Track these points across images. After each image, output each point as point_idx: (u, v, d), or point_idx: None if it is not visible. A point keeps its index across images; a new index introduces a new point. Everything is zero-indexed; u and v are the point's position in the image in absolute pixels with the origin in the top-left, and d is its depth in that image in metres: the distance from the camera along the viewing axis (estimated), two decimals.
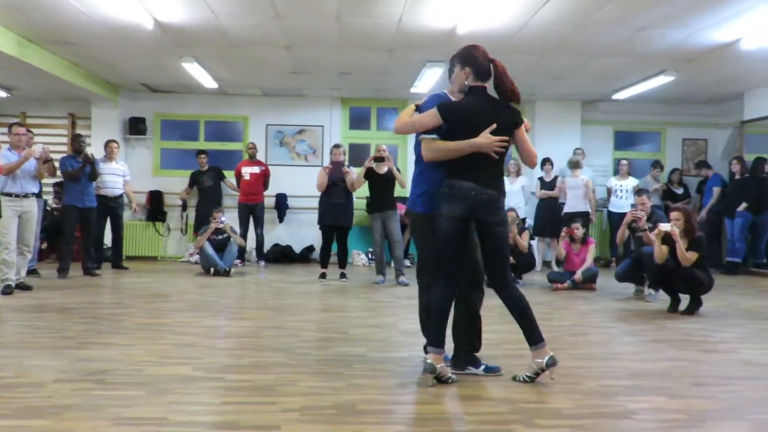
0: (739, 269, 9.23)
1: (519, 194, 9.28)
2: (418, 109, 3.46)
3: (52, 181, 8.91)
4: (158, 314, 5.36)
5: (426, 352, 3.65)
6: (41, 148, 6.62)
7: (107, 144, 8.59)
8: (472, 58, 3.35)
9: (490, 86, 3.40)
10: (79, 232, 7.92)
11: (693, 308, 5.70)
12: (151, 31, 6.73)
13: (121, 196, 8.57)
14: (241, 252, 9.06)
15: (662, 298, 6.27)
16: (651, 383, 3.43)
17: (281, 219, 10.36)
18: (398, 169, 7.72)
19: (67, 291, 6.55)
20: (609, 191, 9.90)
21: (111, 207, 8.40)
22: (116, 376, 3.36)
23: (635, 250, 6.81)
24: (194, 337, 4.41)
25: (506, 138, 3.30)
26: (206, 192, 9.79)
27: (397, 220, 7.63)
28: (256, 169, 9.55)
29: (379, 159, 7.38)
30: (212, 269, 8.07)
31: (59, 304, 5.68)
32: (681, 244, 5.61)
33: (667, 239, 5.71)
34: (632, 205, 6.95)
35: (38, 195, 6.92)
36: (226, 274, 8.01)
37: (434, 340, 3.29)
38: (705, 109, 10.76)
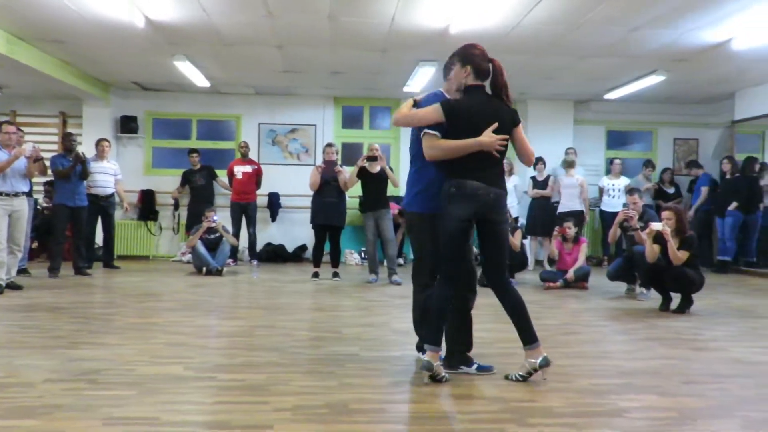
0: (729, 268, 9.29)
1: (512, 193, 9.28)
2: (417, 105, 3.46)
3: (43, 180, 8.86)
4: (150, 314, 5.34)
5: (418, 350, 3.67)
6: (31, 147, 6.58)
7: (98, 143, 8.55)
8: (473, 57, 3.35)
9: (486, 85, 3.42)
10: (70, 231, 7.88)
11: (684, 307, 5.73)
12: (142, 29, 6.70)
13: (112, 195, 8.53)
14: (234, 251, 9.04)
15: (653, 297, 6.30)
16: (642, 381, 3.44)
17: (274, 218, 10.34)
18: (391, 168, 7.71)
19: (57, 290, 6.52)
20: (601, 190, 9.94)
21: (102, 206, 8.36)
22: (107, 376, 3.34)
23: (627, 249, 6.84)
24: (186, 336, 4.39)
25: (507, 137, 3.33)
26: (198, 191, 9.76)
27: (390, 219, 7.64)
28: (248, 168, 9.53)
29: (372, 158, 7.38)
30: (204, 268, 8.05)
31: (50, 304, 5.65)
32: (672, 243, 5.64)
33: (658, 238, 5.75)
34: (624, 205, 6.99)
35: (29, 194, 6.88)
36: (219, 273, 7.99)
37: (432, 339, 3.29)
38: (696, 109, 10.83)
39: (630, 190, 7.10)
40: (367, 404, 2.98)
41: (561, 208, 9.15)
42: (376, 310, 5.72)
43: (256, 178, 9.60)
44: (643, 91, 9.30)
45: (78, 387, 3.14)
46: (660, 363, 3.87)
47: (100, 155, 8.46)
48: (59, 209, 7.64)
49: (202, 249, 8.11)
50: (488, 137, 3.24)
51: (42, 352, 3.88)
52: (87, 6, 6.11)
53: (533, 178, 9.53)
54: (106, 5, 6.05)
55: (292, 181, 10.20)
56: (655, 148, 11.18)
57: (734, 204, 9.12)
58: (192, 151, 9.93)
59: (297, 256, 10.28)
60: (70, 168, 7.58)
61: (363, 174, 7.47)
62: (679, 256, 5.63)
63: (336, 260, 7.84)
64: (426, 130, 3.30)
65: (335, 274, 7.72)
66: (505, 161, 3.47)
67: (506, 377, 3.39)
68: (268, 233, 10.34)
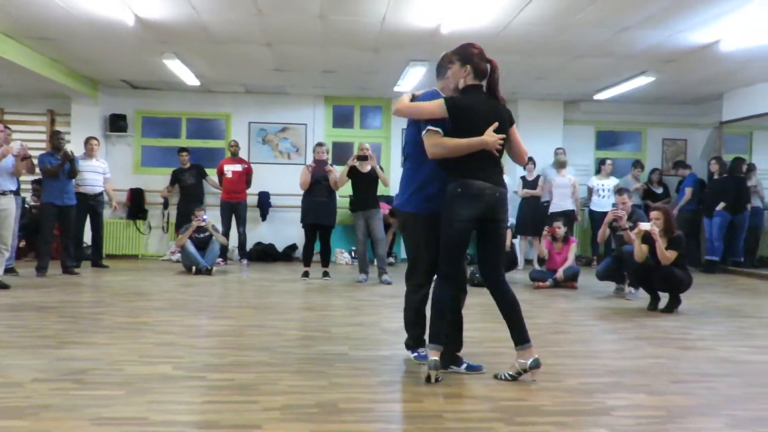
0: (717, 268, 9.36)
1: None
2: (414, 100, 3.46)
3: (31, 178, 8.79)
4: (139, 313, 5.31)
5: (408, 348, 3.68)
6: (19, 145, 6.52)
7: (87, 141, 8.49)
8: (472, 56, 3.35)
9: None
10: (58, 230, 7.82)
11: (672, 306, 5.77)
12: (131, 27, 6.65)
13: (101, 193, 8.48)
14: (223, 250, 9.01)
15: (642, 297, 6.34)
16: (630, 380, 3.47)
17: (264, 217, 10.32)
18: (381, 168, 7.71)
19: (45, 290, 6.47)
20: (590, 190, 9.99)
21: (91, 205, 8.31)
22: (95, 376, 3.32)
23: (616, 249, 6.88)
24: (175, 336, 4.37)
25: (504, 136, 3.35)
26: (188, 190, 9.72)
27: (380, 218, 7.63)
28: (238, 167, 9.50)
29: (363, 157, 7.38)
30: (194, 268, 8.01)
31: (37, 303, 5.61)
32: (660, 243, 5.68)
33: (647, 238, 5.78)
34: (613, 205, 7.03)
35: (16, 192, 6.83)
36: (208, 272, 7.96)
37: (434, 339, 3.30)
38: (685, 110, 10.90)
39: (619, 190, 7.15)
40: (357, 404, 2.98)
41: (553, 208, 9.20)
42: (366, 310, 5.72)
43: (246, 177, 9.57)
44: (633, 91, 9.35)
45: (66, 387, 3.12)
46: (648, 362, 3.90)
47: (88, 154, 8.41)
48: (47, 208, 7.58)
49: (191, 248, 8.08)
50: (490, 136, 3.26)
51: (29, 351, 3.85)
52: (76, 3, 6.06)
53: (523, 177, 9.56)
54: (95, 3, 6.01)
55: (283, 181, 10.17)
56: (644, 148, 11.25)
57: (722, 204, 9.19)
58: (182, 149, 9.88)
59: (287, 255, 10.26)
60: (59, 166, 7.52)
61: (353, 173, 7.47)
62: (667, 255, 5.67)
63: (326, 260, 7.83)
64: (429, 127, 3.28)
65: (325, 274, 7.71)
66: None
67: (496, 377, 3.40)
68: (258, 232, 10.32)
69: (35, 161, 7.55)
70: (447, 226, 3.29)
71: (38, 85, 9.10)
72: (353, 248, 9.54)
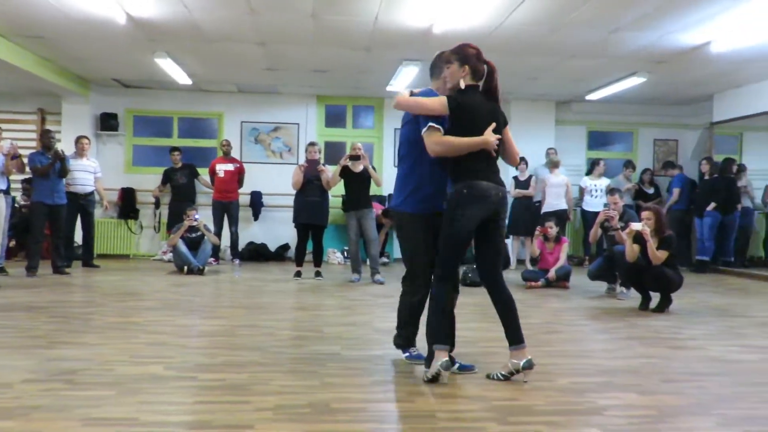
0: (708, 268, 9.42)
1: None
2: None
3: (21, 177, 8.74)
4: (130, 313, 5.28)
5: (398, 347, 3.69)
6: (9, 144, 6.50)
7: (78, 140, 8.45)
8: (471, 57, 3.36)
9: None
10: (49, 229, 7.78)
11: (663, 306, 5.80)
12: (122, 25, 6.63)
13: (92, 193, 8.44)
14: (215, 250, 8.98)
15: (633, 296, 6.36)
16: (622, 380, 3.48)
17: (256, 217, 10.30)
18: (374, 168, 7.70)
19: (35, 289, 6.43)
20: (582, 190, 10.02)
21: (81, 204, 8.27)
22: (86, 376, 3.30)
23: (607, 249, 6.91)
24: (166, 336, 4.35)
25: (500, 136, 3.36)
26: (180, 189, 9.68)
27: (373, 218, 7.63)
28: (230, 167, 9.47)
29: (355, 157, 7.37)
30: (186, 267, 7.98)
31: (28, 303, 5.57)
32: (651, 243, 5.71)
33: (638, 238, 5.81)
34: (605, 205, 7.06)
35: (6, 192, 6.79)
36: (200, 272, 7.94)
37: (439, 339, 3.30)
38: (676, 111, 10.96)
39: (611, 191, 7.18)
40: (349, 403, 2.97)
41: (546, 207, 9.23)
42: (359, 310, 5.71)
43: (238, 176, 9.54)
44: (624, 92, 9.40)
45: (56, 387, 3.10)
46: (639, 361, 3.91)
47: (79, 153, 8.36)
48: (37, 207, 7.54)
49: (183, 248, 8.05)
50: (490, 136, 3.28)
51: (19, 352, 3.82)
52: (67, 1, 6.03)
53: (515, 177, 9.59)
54: (86, 0, 5.98)
55: (275, 180, 10.15)
56: (635, 148, 11.30)
57: (712, 204, 9.25)
58: (173, 149, 9.85)
59: (279, 255, 10.24)
60: (49, 165, 7.47)
61: (346, 173, 7.46)
62: (658, 255, 5.70)
63: (318, 259, 7.82)
64: (431, 124, 3.26)
65: (318, 274, 7.70)
66: None
67: (488, 376, 3.41)
68: (251, 232, 10.29)
69: (25, 160, 7.50)
70: (451, 227, 3.28)
71: (29, 83, 9.04)
72: (346, 248, 9.54)
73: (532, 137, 10.30)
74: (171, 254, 8.60)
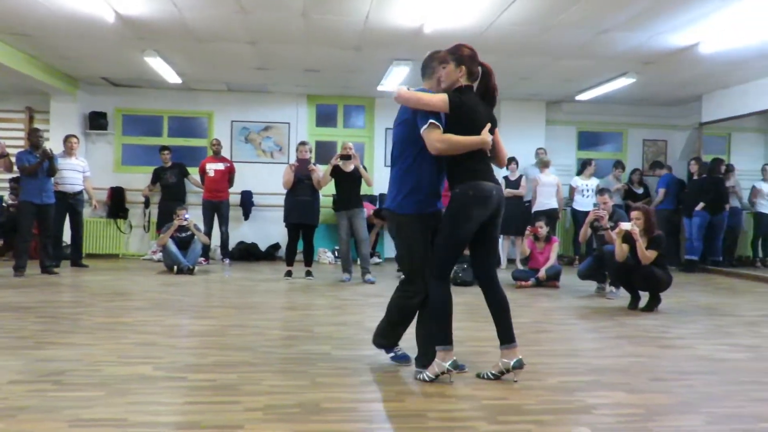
0: (696, 267, 9.48)
1: None
2: None
3: (9, 176, 8.67)
4: (119, 313, 5.25)
5: (380, 347, 3.66)
6: None
7: (66, 139, 8.39)
8: (467, 58, 3.36)
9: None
10: (37, 229, 7.72)
11: (652, 305, 5.84)
12: (111, 23, 6.59)
13: (80, 192, 8.39)
14: (206, 250, 8.94)
15: (623, 296, 6.40)
16: (611, 379, 3.50)
17: (246, 216, 10.27)
18: (365, 167, 7.70)
19: (23, 289, 6.38)
20: (573, 190, 10.06)
21: (70, 203, 8.22)
22: (74, 377, 3.28)
23: (597, 248, 6.94)
24: (156, 336, 4.33)
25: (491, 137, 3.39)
26: (169, 189, 9.64)
27: (364, 218, 7.62)
28: (220, 166, 9.44)
29: (346, 157, 7.36)
30: (175, 267, 7.95)
31: (15, 303, 5.52)
32: (641, 243, 5.74)
33: (627, 238, 5.84)
34: (594, 205, 7.09)
35: None
36: (190, 272, 7.90)
37: (443, 339, 3.31)
38: (665, 111, 11.03)
39: (600, 191, 7.21)
40: (339, 403, 2.97)
41: (537, 207, 9.27)
42: (349, 309, 5.71)
43: (228, 175, 9.51)
44: (614, 92, 9.45)
45: (44, 388, 3.07)
46: (628, 360, 3.93)
47: (68, 152, 8.31)
48: (25, 206, 7.48)
49: (173, 247, 8.01)
50: (487, 136, 3.30)
51: (6, 352, 3.79)
52: None
53: (506, 177, 9.61)
54: None
55: (265, 180, 10.13)
56: (625, 149, 11.37)
57: (701, 204, 9.32)
58: (163, 148, 9.80)
59: (270, 254, 10.22)
60: (37, 164, 7.42)
61: (336, 173, 7.45)
62: (647, 255, 5.73)
63: (309, 259, 7.81)
64: (431, 121, 3.24)
65: (308, 273, 7.69)
66: None
67: (478, 375, 3.42)
68: (241, 232, 10.26)
69: (13, 159, 7.44)
70: (455, 228, 3.27)
71: (16, 81, 8.97)
72: (336, 248, 9.52)
73: (522, 137, 10.36)
74: (161, 254, 8.56)
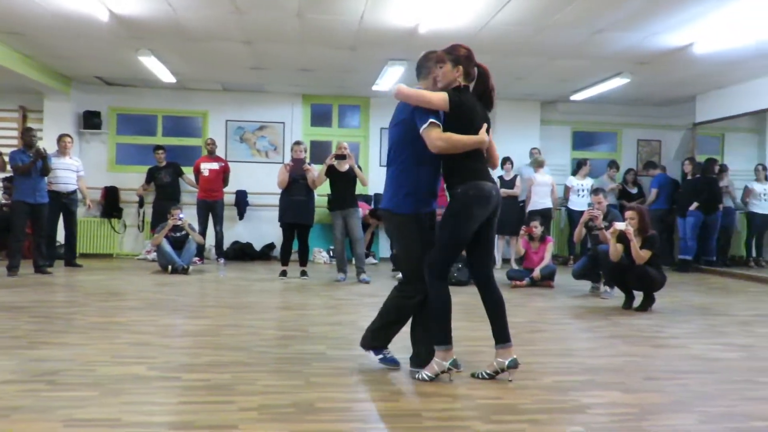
0: (690, 267, 9.52)
1: None
2: None
3: (2, 176, 8.63)
4: (113, 313, 5.24)
5: (369, 347, 3.57)
6: None
7: (60, 138, 8.35)
8: (464, 58, 3.36)
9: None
10: (30, 228, 7.69)
11: (646, 305, 5.85)
12: (105, 22, 6.56)
13: (74, 191, 8.35)
14: (200, 249, 8.93)
15: (617, 295, 6.42)
16: (605, 378, 3.51)
17: (241, 216, 10.25)
18: (360, 167, 7.70)
19: (17, 289, 6.35)
20: (568, 190, 10.07)
21: (64, 203, 8.19)
22: (68, 377, 3.27)
23: (591, 248, 6.96)
24: (150, 336, 4.32)
25: None
26: (164, 188, 9.61)
27: (359, 218, 7.62)
28: (215, 165, 9.42)
29: (341, 156, 7.36)
30: (170, 267, 7.93)
31: (8, 303, 5.50)
32: (635, 243, 5.76)
33: (622, 238, 5.86)
34: (589, 204, 7.11)
35: None
36: (185, 271, 7.89)
37: (444, 339, 3.32)
38: (659, 111, 11.07)
39: (595, 190, 7.23)
40: (334, 403, 2.97)
41: (532, 206, 9.29)
42: (344, 309, 5.71)
43: (223, 175, 9.49)
44: (609, 92, 9.47)
45: (37, 388, 3.06)
46: (622, 360, 3.95)
47: (61, 151, 8.27)
48: (18, 206, 7.44)
49: (167, 247, 7.99)
50: (485, 136, 3.32)
51: (0, 352, 3.78)
52: None
53: (501, 177, 9.62)
54: None
55: (260, 179, 10.11)
56: (619, 149, 11.39)
57: (695, 204, 9.35)
58: (157, 147, 9.77)
59: (265, 254, 10.20)
60: (31, 164, 7.39)
61: (331, 172, 7.45)
62: (641, 255, 5.75)
63: (304, 259, 7.80)
64: (432, 120, 3.23)
65: (303, 273, 7.69)
66: None
67: (473, 375, 3.42)
68: (236, 231, 10.24)
69: (6, 158, 7.40)
70: (457, 228, 3.27)
71: (9, 80, 8.93)
72: (331, 247, 9.51)
73: (517, 137, 10.38)
74: (155, 253, 8.53)
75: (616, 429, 2.73)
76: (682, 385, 3.41)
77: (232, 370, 3.47)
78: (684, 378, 3.55)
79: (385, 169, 3.63)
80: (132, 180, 10.07)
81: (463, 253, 3.58)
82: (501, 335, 3.37)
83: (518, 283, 7.34)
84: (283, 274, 7.65)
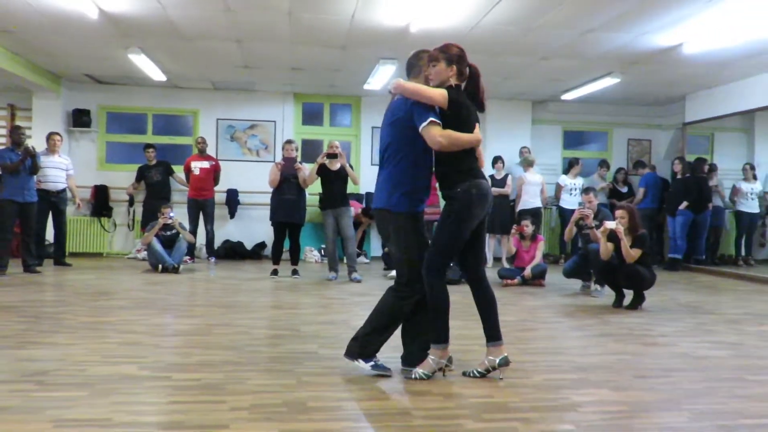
0: (680, 265, 9.58)
1: None
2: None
3: None
4: (102, 312, 5.21)
5: (358, 355, 3.42)
6: None
7: (49, 136, 8.29)
8: (457, 57, 3.36)
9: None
10: (19, 227, 7.63)
11: (636, 303, 5.89)
12: (95, 20, 6.52)
13: (63, 190, 8.30)
14: (191, 248, 8.89)
15: (607, 294, 6.46)
16: (595, 376, 3.52)
17: (232, 215, 10.22)
18: (351, 166, 7.69)
19: (5, 288, 6.30)
20: (560, 188, 10.10)
21: (53, 202, 8.13)
22: (57, 377, 3.25)
23: (582, 247, 6.98)
24: (140, 335, 4.30)
25: None
26: (154, 187, 9.57)
27: (350, 216, 7.62)
28: (206, 164, 9.39)
29: (332, 155, 7.35)
30: (160, 266, 7.89)
31: None
32: (625, 242, 5.78)
33: (612, 236, 5.88)
34: (580, 203, 7.14)
35: None
36: (175, 270, 7.85)
37: (442, 338, 3.33)
38: (649, 111, 11.13)
39: (585, 190, 7.26)
40: (325, 402, 2.97)
41: (523, 205, 9.32)
42: (336, 308, 5.70)
43: (213, 174, 9.46)
44: (599, 92, 9.51)
45: (26, 388, 3.04)
46: (613, 358, 3.97)
47: (51, 149, 8.22)
48: (7, 205, 7.38)
49: (158, 246, 7.96)
50: (480, 135, 3.35)
51: None
52: None
53: (492, 176, 9.64)
54: None
55: (251, 178, 10.09)
56: (609, 148, 11.44)
57: (684, 203, 9.41)
58: (148, 146, 9.73)
59: (256, 253, 10.17)
60: (19, 162, 7.33)
61: (323, 171, 7.44)
62: (631, 254, 5.78)
63: (295, 258, 7.79)
64: (432, 119, 3.22)
65: (294, 272, 7.68)
66: None
67: (464, 374, 3.43)
68: (227, 230, 10.21)
69: None
70: (458, 226, 3.27)
71: None
72: (323, 246, 9.51)
73: (509, 136, 10.42)
74: (145, 252, 8.49)
75: (607, 427, 2.74)
76: (671, 383, 3.44)
77: (223, 369, 3.46)
78: (674, 376, 3.57)
79: (377, 168, 3.61)
80: (122, 179, 10.02)
81: None
82: (492, 333, 3.38)
83: (509, 281, 7.36)
84: (275, 273, 7.64)
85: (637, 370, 3.71)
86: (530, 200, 9.38)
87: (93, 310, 5.31)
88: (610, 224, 5.83)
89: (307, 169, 7.56)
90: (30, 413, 2.70)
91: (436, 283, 3.32)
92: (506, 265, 8.23)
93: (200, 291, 6.78)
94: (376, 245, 10.27)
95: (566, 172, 10.24)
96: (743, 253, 10.26)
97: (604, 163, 10.56)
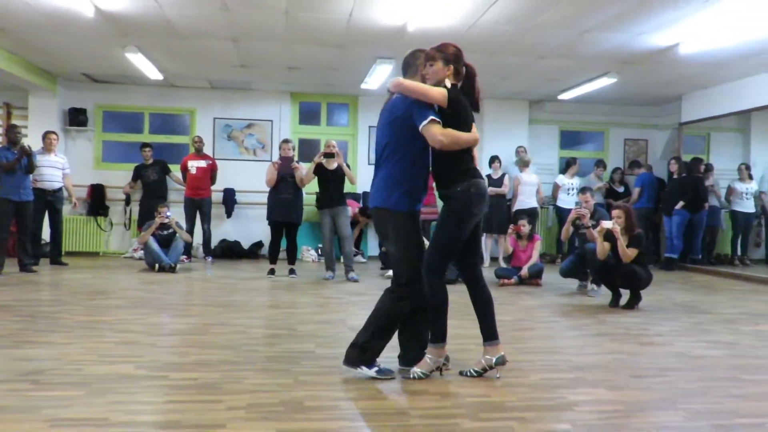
0: (676, 265, 9.60)
1: None
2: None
3: None
4: (99, 311, 5.20)
5: (360, 362, 3.37)
6: None
7: (45, 135, 8.27)
8: (454, 57, 3.36)
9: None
10: (15, 226, 7.61)
11: (632, 303, 5.90)
12: (91, 18, 6.50)
13: (60, 189, 8.28)
14: (188, 248, 8.87)
15: (604, 293, 6.46)
16: (592, 376, 3.53)
17: (229, 214, 10.21)
18: (348, 165, 7.69)
19: (1, 288, 6.28)
20: (557, 188, 10.11)
21: (49, 201, 8.11)
22: (53, 376, 3.24)
23: (579, 246, 7.00)
24: (136, 334, 4.30)
25: None
26: (151, 186, 9.56)
27: (347, 216, 7.62)
28: (202, 163, 9.37)
29: (329, 155, 7.35)
30: (157, 265, 7.88)
31: None
32: (622, 241, 5.80)
33: (609, 236, 5.90)
34: (576, 203, 7.15)
35: None
36: (172, 270, 7.84)
37: (441, 336, 3.34)
38: (646, 111, 11.15)
39: (582, 189, 7.28)
40: (322, 401, 2.97)
41: (519, 205, 9.33)
42: (332, 307, 5.70)
43: (210, 173, 9.45)
44: (596, 92, 9.52)
45: (22, 388, 3.03)
46: (609, 357, 3.97)
47: (47, 148, 8.20)
48: (3, 204, 7.36)
49: (154, 245, 7.94)
50: (478, 135, 3.36)
51: None
52: None
53: (489, 176, 9.65)
54: None
55: (248, 177, 10.07)
56: (606, 148, 11.46)
57: (681, 203, 9.43)
58: (144, 145, 9.71)
59: (253, 252, 10.17)
60: (15, 161, 7.31)
61: (320, 170, 7.44)
62: (628, 253, 5.79)
63: (292, 257, 7.79)
64: (432, 117, 3.21)
65: (291, 271, 7.67)
66: None
67: (461, 373, 3.43)
68: (223, 229, 10.20)
69: None
70: (459, 226, 3.27)
71: None
72: (320, 246, 9.50)
73: (506, 136, 10.42)
74: (142, 252, 8.48)
75: (603, 426, 2.75)
76: (667, 382, 3.44)
77: (219, 368, 3.46)
78: (670, 375, 3.58)
79: (373, 167, 3.59)
80: (118, 178, 10.00)
81: None
82: (489, 333, 3.38)
83: (506, 281, 7.37)
84: (272, 272, 7.63)
85: (634, 369, 3.72)
86: (526, 200, 9.41)
87: (89, 309, 5.30)
88: (606, 224, 5.84)
89: (304, 169, 7.56)
90: (26, 413, 2.70)
91: (436, 282, 3.32)
92: (503, 264, 8.24)
93: (197, 290, 6.78)
94: (373, 244, 10.27)
95: (563, 171, 10.25)
96: (739, 252, 10.29)
97: (600, 163, 10.58)
